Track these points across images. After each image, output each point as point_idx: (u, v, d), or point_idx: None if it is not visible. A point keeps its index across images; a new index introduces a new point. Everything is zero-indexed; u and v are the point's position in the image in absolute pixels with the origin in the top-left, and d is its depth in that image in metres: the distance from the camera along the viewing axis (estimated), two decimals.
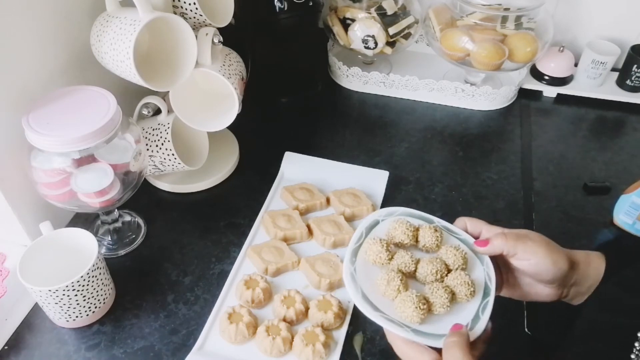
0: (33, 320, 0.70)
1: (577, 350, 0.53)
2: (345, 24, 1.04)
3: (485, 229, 0.60)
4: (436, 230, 0.62)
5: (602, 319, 0.52)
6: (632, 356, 0.47)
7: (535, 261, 0.54)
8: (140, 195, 0.76)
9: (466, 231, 0.63)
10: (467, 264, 0.60)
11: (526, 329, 0.68)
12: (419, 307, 0.54)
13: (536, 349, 0.66)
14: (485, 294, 0.58)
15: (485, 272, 0.60)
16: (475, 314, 0.57)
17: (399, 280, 0.57)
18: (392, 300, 0.56)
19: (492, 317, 0.58)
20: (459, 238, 0.63)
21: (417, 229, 0.63)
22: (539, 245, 0.54)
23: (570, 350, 0.54)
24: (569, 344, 0.54)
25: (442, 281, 0.59)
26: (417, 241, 0.62)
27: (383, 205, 0.83)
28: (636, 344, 0.47)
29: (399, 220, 0.63)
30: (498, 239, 0.56)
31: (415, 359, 0.53)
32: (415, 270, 0.59)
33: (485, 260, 0.61)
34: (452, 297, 0.57)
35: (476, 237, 0.61)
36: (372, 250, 0.60)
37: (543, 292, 0.57)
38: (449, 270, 0.60)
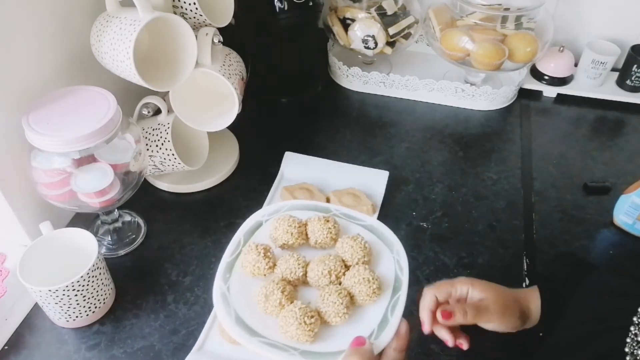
0: (33, 320, 0.70)
1: (572, 334, 0.53)
2: (345, 24, 1.04)
3: (453, 290, 0.60)
4: (327, 221, 0.52)
5: (596, 303, 0.53)
6: (628, 339, 0.47)
7: (492, 326, 0.59)
8: (140, 195, 0.76)
9: (438, 302, 0.57)
10: (370, 256, 0.51)
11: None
12: (304, 322, 0.44)
13: (534, 344, 0.66)
14: (395, 289, 0.49)
15: (395, 262, 0.51)
16: (382, 317, 0.47)
17: (279, 293, 0.47)
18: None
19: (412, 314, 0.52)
20: (362, 225, 0.53)
21: (305, 224, 0.53)
22: (495, 316, 0.58)
23: (565, 335, 0.54)
24: (564, 330, 0.55)
25: (340, 282, 0.49)
26: (307, 238, 0.53)
27: (383, 205, 0.83)
28: (632, 328, 0.47)
29: (281, 217, 0.52)
30: (459, 315, 0.57)
31: None
32: (305, 275, 0.50)
33: (395, 247, 0.52)
34: (351, 300, 0.47)
35: (444, 304, 0.59)
36: (248, 261, 0.50)
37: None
38: (348, 267, 0.50)
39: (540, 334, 0.62)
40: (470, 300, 0.60)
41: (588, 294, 0.55)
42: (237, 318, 0.47)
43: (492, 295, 0.59)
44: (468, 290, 0.59)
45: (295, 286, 0.50)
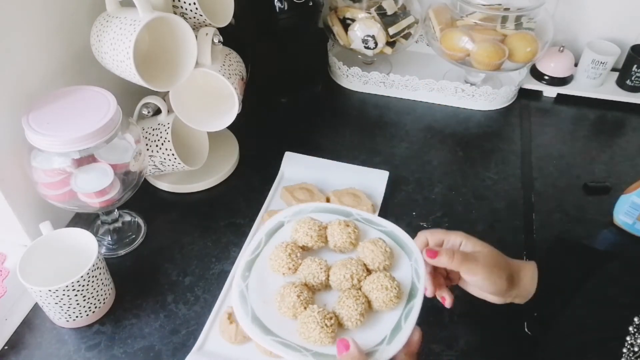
0: (33, 320, 0.70)
1: (569, 345, 0.53)
2: (345, 24, 1.04)
3: (446, 239, 0.59)
4: (348, 225, 0.53)
5: (591, 314, 0.53)
6: (624, 350, 0.47)
7: (476, 280, 0.57)
8: (140, 195, 0.76)
9: (427, 247, 0.57)
10: (391, 260, 0.52)
11: (526, 329, 0.68)
12: (325, 325, 0.45)
13: (536, 349, 0.66)
14: (411, 295, 0.49)
15: (413, 269, 0.51)
16: (396, 324, 0.47)
17: (295, 297, 0.47)
18: (294, 320, 0.47)
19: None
20: (382, 230, 0.54)
21: (325, 227, 0.54)
22: (482, 269, 0.56)
23: (562, 345, 0.54)
24: (561, 339, 0.55)
25: (360, 287, 0.50)
26: (327, 241, 0.53)
27: (383, 205, 0.83)
28: (627, 338, 0.47)
29: (302, 220, 0.53)
30: (445, 256, 0.56)
31: None
32: (328, 279, 0.50)
33: (413, 254, 0.53)
34: (369, 305, 0.48)
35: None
36: (274, 259, 0.51)
37: (488, 297, 0.60)
38: (370, 271, 0.51)
39: (535, 314, 0.61)
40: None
41: (582, 304, 0.55)
42: (253, 317, 0.47)
43: (485, 250, 0.58)
44: (461, 242, 0.58)
45: (317, 291, 0.51)
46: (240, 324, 0.47)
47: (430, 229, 0.61)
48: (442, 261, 0.56)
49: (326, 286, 0.51)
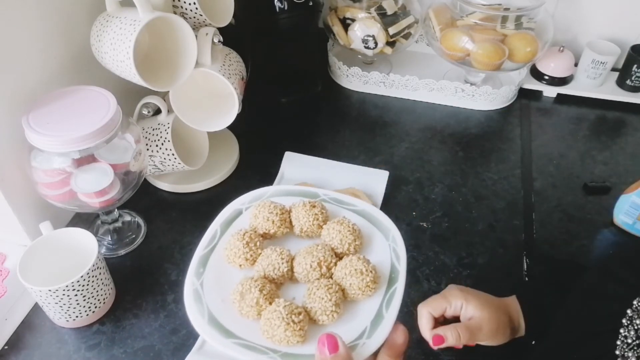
0: (33, 320, 0.70)
1: (564, 338, 0.53)
2: (345, 24, 1.04)
3: (448, 306, 0.59)
4: (314, 206, 0.47)
5: (586, 307, 0.53)
6: (618, 342, 0.47)
7: (483, 342, 0.60)
8: (140, 195, 0.76)
9: (435, 319, 0.55)
10: (361, 239, 0.46)
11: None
12: (292, 321, 0.39)
13: (527, 346, 0.66)
14: (392, 280, 0.43)
15: (391, 249, 0.46)
16: (376, 313, 0.42)
17: (257, 291, 0.41)
18: (259, 319, 0.42)
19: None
20: (353, 210, 0.49)
21: (289, 211, 0.48)
22: (486, 336, 0.58)
23: (557, 339, 0.54)
24: (556, 333, 0.55)
25: (331, 275, 0.44)
26: (291, 226, 0.48)
27: (383, 205, 0.83)
28: (621, 331, 0.47)
29: (261, 204, 0.48)
30: (452, 340, 0.56)
31: None
32: (291, 270, 0.45)
33: (391, 232, 0.47)
34: (343, 295, 0.43)
35: (440, 319, 0.59)
36: (229, 249, 0.45)
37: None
38: (340, 257, 0.45)
39: (533, 343, 0.62)
40: (463, 317, 0.59)
41: (577, 299, 0.55)
42: (210, 318, 0.42)
43: (486, 314, 0.58)
44: (462, 305, 0.59)
45: (280, 284, 0.45)
46: (195, 327, 0.41)
47: (427, 301, 0.59)
48: (450, 343, 0.56)
49: (290, 279, 0.45)
